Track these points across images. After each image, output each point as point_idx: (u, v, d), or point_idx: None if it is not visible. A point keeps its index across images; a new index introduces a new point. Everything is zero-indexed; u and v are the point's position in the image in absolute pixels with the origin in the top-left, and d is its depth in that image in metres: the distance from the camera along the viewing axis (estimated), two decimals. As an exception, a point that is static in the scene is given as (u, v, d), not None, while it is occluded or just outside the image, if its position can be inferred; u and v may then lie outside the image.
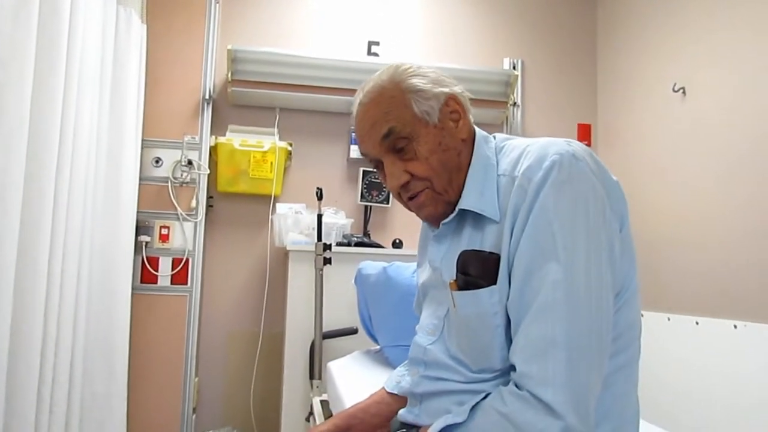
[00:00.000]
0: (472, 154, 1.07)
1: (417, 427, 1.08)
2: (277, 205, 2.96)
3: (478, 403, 0.94)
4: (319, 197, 2.51)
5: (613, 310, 0.94)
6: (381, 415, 1.23)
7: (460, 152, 1.05)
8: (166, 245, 2.87)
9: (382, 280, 2.08)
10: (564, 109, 3.38)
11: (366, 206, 3.08)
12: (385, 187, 3.00)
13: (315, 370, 2.45)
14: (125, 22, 2.60)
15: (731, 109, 2.43)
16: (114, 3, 2.50)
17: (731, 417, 2.20)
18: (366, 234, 3.04)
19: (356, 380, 1.98)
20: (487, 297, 0.97)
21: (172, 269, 2.86)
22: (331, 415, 2.05)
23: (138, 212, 2.74)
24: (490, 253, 0.97)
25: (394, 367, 2.03)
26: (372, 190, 3.02)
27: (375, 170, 1.11)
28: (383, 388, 1.30)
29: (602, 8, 3.45)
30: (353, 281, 2.32)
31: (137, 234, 2.76)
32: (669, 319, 2.51)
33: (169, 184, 2.87)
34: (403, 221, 3.16)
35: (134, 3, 2.68)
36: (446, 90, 1.06)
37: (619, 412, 0.98)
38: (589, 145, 3.33)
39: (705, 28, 2.61)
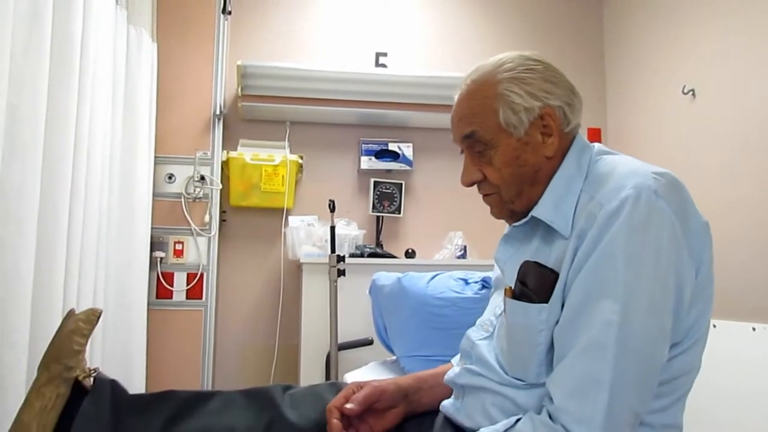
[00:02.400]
0: (559, 165, 1.03)
1: (457, 423, 1.08)
2: (290, 217, 2.97)
3: (510, 428, 0.92)
4: (332, 209, 2.52)
5: (668, 358, 0.91)
6: (448, 387, 1.21)
7: (539, 169, 1.03)
8: (180, 260, 2.89)
9: (396, 291, 2.08)
10: (573, 114, 3.37)
11: (378, 217, 3.09)
12: (396, 198, 3.01)
13: (332, 380, 2.44)
14: (136, 41, 2.63)
15: (741, 111, 2.42)
16: (125, 23, 2.54)
17: (751, 419, 2.18)
18: (379, 244, 3.05)
19: (373, 391, 1.98)
20: (536, 313, 0.95)
21: (187, 284, 2.88)
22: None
23: (152, 228, 2.77)
24: (551, 270, 0.95)
25: (411, 378, 2.04)
26: (383, 200, 3.03)
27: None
28: (450, 362, 1.29)
29: (608, 11, 3.45)
30: (368, 292, 2.33)
31: (152, 250, 2.79)
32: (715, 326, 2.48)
33: (183, 200, 2.89)
34: (414, 231, 3.16)
35: (145, 22, 2.71)
36: (542, 104, 1.02)
37: None
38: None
39: (714, 30, 2.60)
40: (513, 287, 1.01)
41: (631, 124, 3.17)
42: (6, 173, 1.55)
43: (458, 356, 1.29)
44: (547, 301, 0.94)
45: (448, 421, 1.13)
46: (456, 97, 1.09)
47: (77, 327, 1.12)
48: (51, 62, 1.82)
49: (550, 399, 0.90)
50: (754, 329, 2.21)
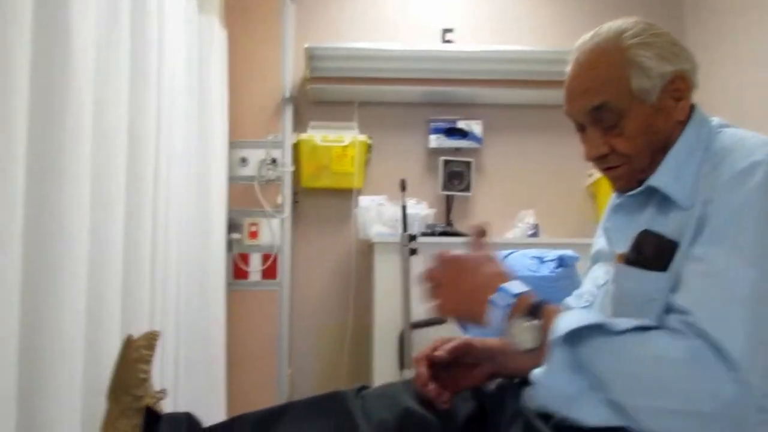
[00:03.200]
0: (680, 134, 1.00)
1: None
2: (360, 198, 3.00)
3: (642, 328, 0.84)
4: (403, 188, 2.53)
5: None
6: (537, 356, 1.18)
7: (670, 135, 1.00)
8: (255, 241, 2.97)
9: (470, 270, 2.07)
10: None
11: (447, 196, 3.08)
12: (465, 176, 2.99)
13: (405, 359, 2.48)
14: (207, 29, 2.69)
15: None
16: (196, 13, 2.59)
17: None
18: (449, 223, 3.04)
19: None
20: (651, 281, 0.91)
21: (262, 264, 2.96)
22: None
23: (228, 211, 2.85)
24: (670, 240, 0.92)
25: (485, 356, 2.04)
26: (453, 179, 3.02)
27: (576, 130, 1.07)
28: None
29: (686, -24, 3.29)
30: (440, 271, 2.33)
31: (228, 232, 2.87)
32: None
33: (256, 183, 2.96)
34: (485, 209, 3.14)
35: (214, 10, 2.77)
36: (674, 68, 0.99)
37: None
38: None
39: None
40: (626, 254, 0.97)
41: (710, 95, 3.03)
42: (96, 162, 1.62)
43: None
44: (664, 270, 0.91)
45: None
46: (571, 70, 1.04)
47: (140, 355, 1.13)
48: (130, 56, 1.89)
49: (680, 312, 0.84)
50: None
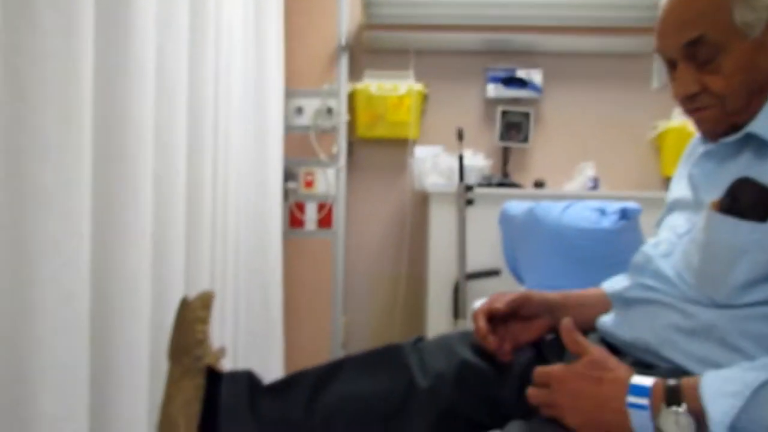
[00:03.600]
0: None
1: (615, 339, 1.04)
2: (416, 148, 2.98)
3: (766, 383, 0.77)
4: (460, 137, 2.49)
5: None
6: (597, 306, 1.15)
7: None
8: (310, 191, 3.00)
9: (529, 220, 2.04)
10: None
11: (505, 147, 3.02)
12: (523, 127, 2.93)
13: (459, 309, 2.49)
14: (263, -23, 2.67)
15: None
16: (253, -41, 2.57)
17: None
18: (506, 175, 2.99)
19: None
20: (746, 231, 0.87)
21: (317, 214, 2.99)
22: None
23: (284, 160, 2.87)
24: None
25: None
26: (511, 130, 2.95)
27: (667, 68, 1.01)
28: (600, 287, 1.24)
29: None
30: (497, 222, 2.31)
31: (285, 181, 2.90)
32: None
33: (312, 132, 2.97)
34: (543, 161, 3.07)
35: (271, -43, 2.74)
36: None
37: None
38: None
39: None
40: (721, 202, 0.92)
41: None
42: (159, 109, 1.65)
43: (609, 282, 1.24)
44: (763, 221, 0.86)
45: (602, 340, 1.08)
46: (666, 2, 0.98)
47: (197, 316, 1.14)
48: (189, 5, 1.89)
49: None
50: None
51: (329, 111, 2.96)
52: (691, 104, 0.98)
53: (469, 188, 2.48)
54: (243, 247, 2.47)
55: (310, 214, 3.00)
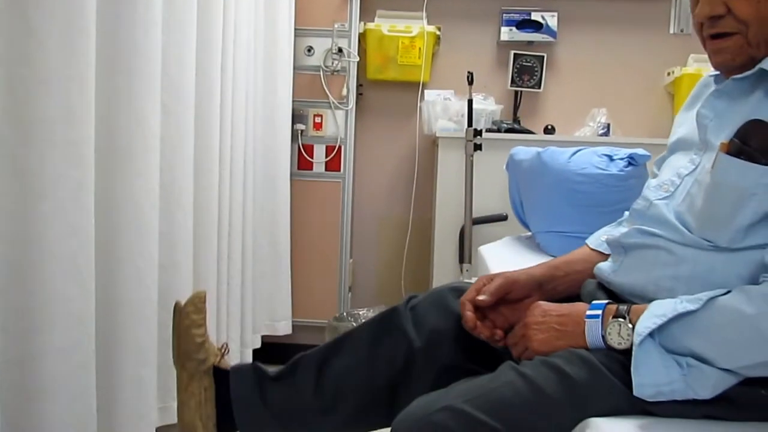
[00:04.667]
0: None
1: (614, 288, 1.06)
2: (426, 91, 2.94)
3: (713, 297, 0.87)
4: (470, 81, 2.46)
5: None
6: (584, 272, 1.18)
7: None
8: (319, 133, 2.98)
9: (535, 166, 2.04)
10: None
11: (516, 92, 2.98)
12: (536, 72, 2.88)
13: (465, 254, 2.51)
14: None
15: None
16: None
17: None
18: (516, 120, 2.96)
19: (507, 263, 2.00)
20: (755, 175, 0.88)
21: (326, 156, 2.98)
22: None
23: (293, 101, 2.85)
24: None
25: (546, 253, 2.04)
26: (523, 74, 2.91)
27: None
28: (586, 245, 1.26)
29: None
30: (504, 167, 2.30)
31: (293, 122, 2.89)
32: None
33: (321, 73, 2.93)
34: (554, 107, 3.04)
35: None
36: None
37: None
38: None
39: None
40: (730, 142, 0.91)
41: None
42: (167, 44, 1.64)
43: (595, 236, 1.26)
44: None
45: (601, 286, 1.10)
46: None
47: (191, 321, 1.18)
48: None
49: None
50: None
51: (339, 51, 2.92)
52: (713, 28, 0.95)
53: (477, 133, 2.47)
54: (251, 186, 2.48)
55: (319, 156, 3.00)
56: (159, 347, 1.57)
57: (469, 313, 1.08)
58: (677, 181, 1.03)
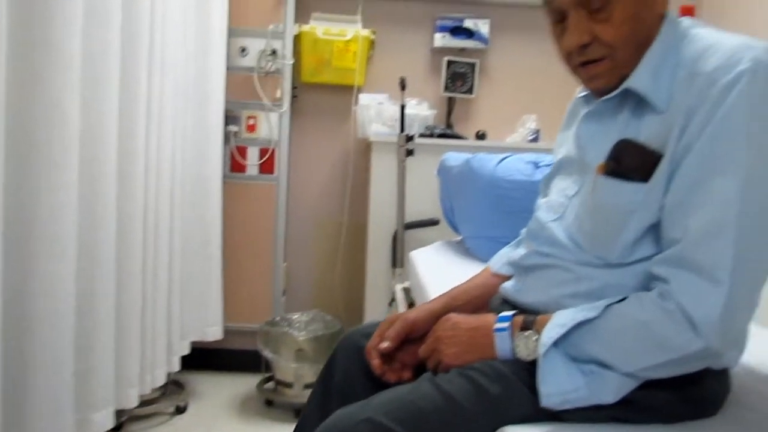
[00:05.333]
0: (656, 35, 0.97)
1: (518, 307, 1.09)
2: (360, 95, 2.95)
3: (611, 304, 0.91)
4: (402, 87, 2.48)
5: None
6: (484, 297, 1.23)
7: (652, 27, 0.97)
8: (253, 135, 2.94)
9: (465, 172, 2.07)
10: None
11: (449, 97, 3.02)
12: (469, 78, 2.92)
13: (397, 258, 2.52)
14: None
15: None
16: None
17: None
18: (449, 125, 3.00)
19: (438, 268, 2.03)
20: (630, 192, 0.92)
21: (260, 158, 2.94)
22: (412, 303, 2.13)
23: (226, 102, 2.81)
24: (653, 151, 0.91)
25: (476, 257, 2.08)
26: (456, 80, 2.95)
27: (554, 23, 1.02)
28: (487, 268, 1.30)
29: None
30: (436, 172, 2.32)
31: (226, 124, 2.84)
32: None
33: (255, 74, 2.89)
34: (486, 113, 3.09)
35: None
36: None
37: (746, 335, 0.95)
38: (692, 30, 3.09)
39: None
40: (605, 164, 0.96)
41: (731, 1, 2.91)
42: (89, 40, 1.59)
43: (506, 248, 1.32)
44: (646, 181, 0.91)
45: (506, 302, 1.14)
46: None
47: None
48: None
49: (662, 279, 0.88)
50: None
51: (274, 53, 2.89)
52: (583, 56, 0.98)
53: (409, 138, 2.48)
54: (179, 187, 2.42)
55: (253, 158, 2.96)
56: (76, 356, 1.51)
57: (375, 361, 1.11)
58: (565, 202, 1.08)
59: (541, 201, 1.19)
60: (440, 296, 1.26)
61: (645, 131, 0.94)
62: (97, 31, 1.66)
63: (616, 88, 0.99)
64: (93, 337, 1.67)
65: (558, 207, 1.09)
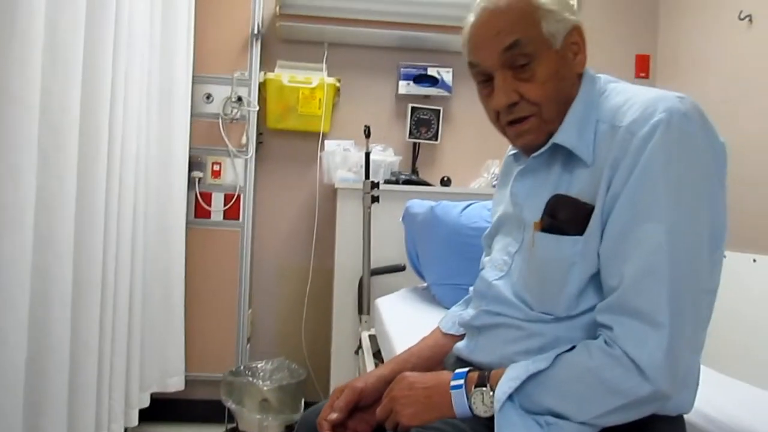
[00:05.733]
0: (577, 92, 1.02)
1: (472, 364, 1.09)
2: (326, 142, 2.96)
3: (561, 354, 0.93)
4: (367, 135, 2.50)
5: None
6: (435, 358, 1.24)
7: (573, 85, 1.02)
8: (218, 181, 2.92)
9: (429, 219, 2.07)
10: (622, 39, 3.23)
11: (414, 143, 3.05)
12: (433, 124, 2.96)
13: (363, 305, 2.50)
14: (173, -44, 2.58)
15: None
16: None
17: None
18: (414, 171, 3.03)
19: (403, 316, 2.02)
20: (569, 245, 0.95)
21: (225, 204, 2.92)
22: (378, 351, 2.10)
23: (191, 148, 2.79)
24: (584, 203, 0.95)
25: (441, 304, 2.07)
26: (421, 126, 2.99)
27: (480, 84, 1.06)
28: (438, 328, 1.30)
29: (668, -69, 3.23)
30: (401, 219, 2.33)
31: (190, 170, 2.82)
32: (725, 257, 2.44)
33: (220, 121, 2.89)
34: (451, 158, 3.13)
35: (181, -63, 2.65)
36: (573, 18, 1.02)
37: (696, 377, 0.97)
38: (647, 77, 3.20)
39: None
40: (542, 220, 1.00)
41: (683, 51, 3.02)
42: (48, 86, 1.57)
43: (455, 307, 1.33)
44: (581, 234, 0.94)
45: (461, 359, 1.14)
46: (478, 17, 1.04)
47: None
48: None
49: (606, 327, 0.90)
50: (754, 260, 2.24)
51: (239, 100, 2.90)
52: (511, 115, 1.02)
53: (375, 185, 2.49)
54: (141, 235, 2.38)
55: (217, 204, 2.93)
56: (24, 413, 1.45)
57: None
58: (509, 260, 1.10)
59: (485, 259, 1.20)
60: (389, 361, 1.26)
61: (576, 185, 0.97)
62: (57, 79, 1.64)
63: (544, 144, 1.03)
64: (44, 391, 1.61)
65: (502, 265, 1.11)
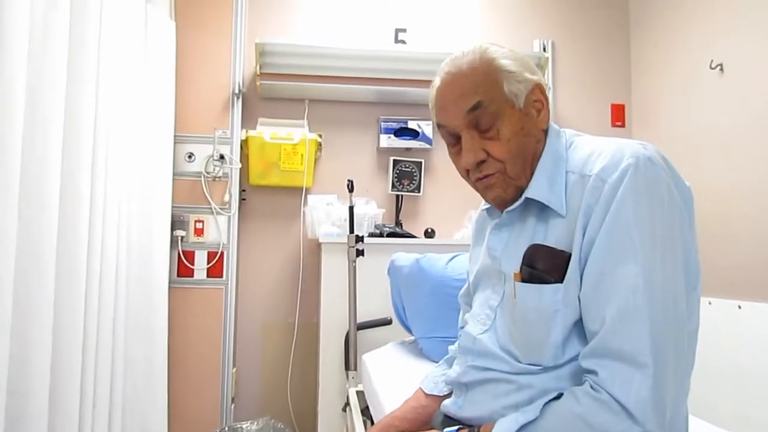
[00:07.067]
0: (543, 147, 1.06)
1: (461, 421, 1.08)
2: (309, 196, 2.97)
3: (548, 402, 0.93)
4: (350, 189, 2.51)
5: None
6: (419, 420, 1.23)
7: (538, 140, 1.06)
8: (201, 239, 2.91)
9: (415, 272, 2.07)
10: (597, 89, 3.32)
11: (397, 195, 3.07)
12: (415, 177, 2.99)
13: (350, 361, 2.46)
14: (154, 20, 2.62)
15: (772, 87, 2.35)
16: (143, 2, 2.52)
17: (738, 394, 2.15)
18: (398, 223, 3.04)
19: (391, 371, 1.99)
20: (551, 293, 0.96)
21: (208, 262, 2.90)
22: (366, 407, 2.06)
23: (173, 207, 2.78)
24: (561, 251, 0.96)
25: (429, 358, 2.05)
26: (403, 179, 3.01)
27: (450, 145, 1.10)
28: (420, 389, 1.30)
29: (635, -15, 3.36)
30: (386, 272, 2.32)
31: (173, 228, 2.81)
32: (710, 303, 2.45)
33: (203, 179, 2.90)
34: (434, 210, 3.15)
35: (163, 1, 2.70)
36: (534, 78, 1.06)
37: (684, 425, 0.97)
38: (623, 125, 3.27)
39: (743, 2, 2.52)
40: (521, 271, 1.01)
41: (657, 100, 3.10)
42: (28, 154, 1.56)
43: (437, 368, 1.33)
44: (561, 281, 0.95)
45: (449, 417, 1.13)
46: (442, 81, 1.08)
47: None
48: (69, 43, 1.82)
49: (591, 372, 0.90)
50: (739, 307, 2.25)
51: (221, 158, 2.91)
52: (479, 172, 1.05)
53: (359, 239, 2.49)
54: (123, 296, 2.35)
55: (200, 263, 2.91)
56: None
57: None
58: (491, 314, 1.11)
59: (465, 316, 1.21)
60: (377, 424, 1.26)
61: (552, 234, 0.99)
62: (36, 141, 1.64)
63: (512, 197, 1.06)
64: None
65: (485, 319, 1.11)
